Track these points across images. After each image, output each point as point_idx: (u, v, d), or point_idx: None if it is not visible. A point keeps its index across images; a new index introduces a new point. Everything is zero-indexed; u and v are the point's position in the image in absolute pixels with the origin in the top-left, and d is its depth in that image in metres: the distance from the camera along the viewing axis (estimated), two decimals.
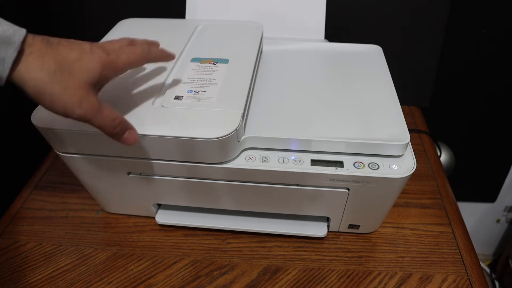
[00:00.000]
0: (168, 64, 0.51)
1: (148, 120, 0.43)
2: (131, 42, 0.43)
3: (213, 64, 0.52)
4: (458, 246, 0.55)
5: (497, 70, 0.86)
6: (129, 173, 0.49)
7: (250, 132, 0.46)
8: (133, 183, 0.50)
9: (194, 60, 0.53)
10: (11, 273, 0.52)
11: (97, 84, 0.37)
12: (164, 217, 0.56)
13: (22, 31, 0.33)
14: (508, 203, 1.15)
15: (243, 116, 0.44)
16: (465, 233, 0.57)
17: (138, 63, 0.41)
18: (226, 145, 0.43)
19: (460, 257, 0.53)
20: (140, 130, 0.42)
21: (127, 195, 0.54)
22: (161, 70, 0.50)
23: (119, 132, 0.38)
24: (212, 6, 0.66)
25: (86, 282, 0.51)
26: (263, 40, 0.60)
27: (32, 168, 0.68)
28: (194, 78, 0.49)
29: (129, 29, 0.61)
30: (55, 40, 0.35)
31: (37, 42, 0.34)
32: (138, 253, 0.54)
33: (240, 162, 0.45)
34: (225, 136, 0.41)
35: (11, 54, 0.32)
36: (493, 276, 1.26)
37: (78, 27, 0.80)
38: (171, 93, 0.47)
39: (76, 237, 0.56)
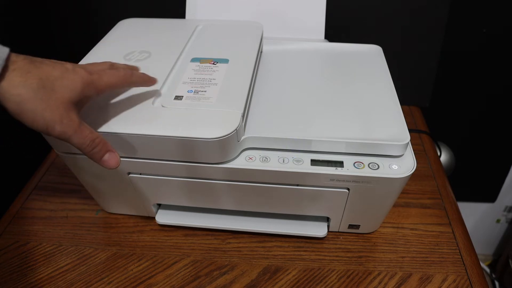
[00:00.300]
0: (168, 64, 0.51)
1: (148, 120, 0.43)
2: (112, 66, 0.43)
3: (213, 64, 0.52)
4: (458, 246, 0.55)
5: (497, 70, 0.86)
6: (129, 173, 0.49)
7: (250, 132, 0.46)
8: (133, 183, 0.50)
9: (194, 60, 0.53)
10: (11, 273, 0.52)
11: (78, 103, 0.37)
12: (164, 217, 0.56)
13: (6, 49, 0.33)
14: (508, 203, 1.15)
15: (243, 116, 0.44)
16: (465, 233, 0.57)
17: (119, 85, 0.41)
18: (226, 145, 0.43)
19: (460, 257, 0.53)
20: (140, 130, 0.42)
21: (127, 195, 0.54)
22: (161, 70, 0.50)
23: (98, 153, 0.38)
24: (212, 6, 0.66)
25: (86, 282, 0.51)
26: (263, 40, 0.60)
27: (32, 168, 0.68)
28: (194, 78, 0.49)
29: (129, 29, 0.61)
30: (38, 59, 0.36)
31: (20, 59, 0.34)
32: (138, 253, 0.54)
33: (240, 162, 0.45)
34: (225, 136, 0.41)
35: None
36: (493, 276, 1.26)
37: (78, 27, 0.80)
38: (171, 93, 0.47)
39: (76, 237, 0.56)
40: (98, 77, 0.38)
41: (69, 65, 0.37)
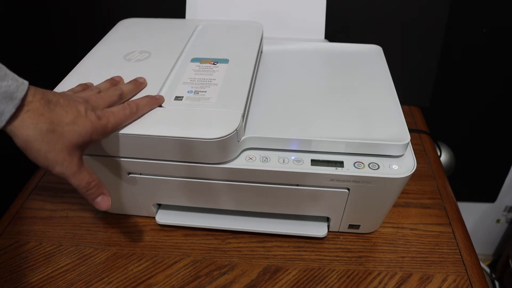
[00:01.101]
0: (168, 64, 0.51)
1: (148, 120, 0.43)
2: (121, 97, 0.44)
3: (213, 64, 0.52)
4: (458, 246, 0.55)
5: (497, 70, 0.86)
6: (129, 173, 0.49)
7: (250, 132, 0.46)
8: (133, 183, 0.50)
9: (194, 60, 0.53)
10: (11, 273, 0.52)
11: (83, 146, 0.39)
12: (164, 217, 0.56)
13: (25, 86, 0.34)
14: (508, 203, 1.15)
15: (243, 116, 0.44)
16: (465, 233, 0.57)
17: (127, 122, 0.43)
18: (226, 145, 0.43)
19: (460, 257, 0.53)
20: (140, 130, 0.42)
21: (127, 195, 0.54)
22: (161, 70, 0.50)
23: (92, 195, 0.41)
24: (212, 6, 0.66)
25: (86, 282, 0.51)
26: (263, 40, 0.60)
27: (32, 168, 0.68)
28: (194, 78, 0.49)
29: (129, 29, 0.61)
30: (53, 99, 0.37)
31: (36, 100, 0.35)
32: (138, 253, 0.54)
33: (240, 162, 0.45)
34: (225, 136, 0.41)
35: (10, 109, 0.33)
36: (493, 276, 1.26)
37: (78, 27, 0.80)
38: (171, 93, 0.47)
39: (76, 237, 0.56)
40: (106, 122, 0.40)
41: (82, 108, 0.38)
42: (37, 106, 0.35)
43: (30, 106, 0.35)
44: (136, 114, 0.43)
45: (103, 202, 0.42)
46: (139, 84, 0.47)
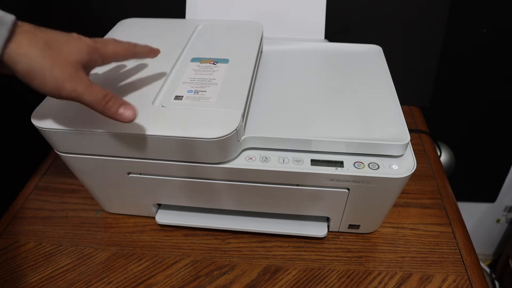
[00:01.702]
0: (168, 64, 0.51)
1: (148, 120, 0.43)
2: (116, 40, 0.44)
3: (213, 64, 0.52)
4: (458, 246, 0.55)
5: (497, 70, 0.86)
6: (129, 173, 0.49)
7: (250, 132, 0.46)
8: (133, 183, 0.50)
9: (194, 60, 0.53)
10: (11, 273, 0.52)
11: (85, 66, 0.38)
12: (164, 217, 0.56)
13: (12, 16, 0.34)
14: (508, 203, 1.15)
15: (243, 116, 0.44)
16: (465, 233, 0.57)
17: (123, 54, 0.42)
18: (226, 145, 0.43)
19: (460, 257, 0.53)
20: (140, 130, 0.42)
21: (127, 195, 0.54)
22: (161, 70, 0.50)
23: (112, 107, 0.38)
24: (212, 6, 0.66)
25: (86, 282, 0.51)
26: (263, 40, 0.60)
27: (32, 168, 0.68)
28: (194, 78, 0.49)
29: (129, 29, 0.61)
30: (43, 27, 0.36)
31: (25, 24, 0.35)
32: (138, 253, 0.54)
33: (240, 162, 0.45)
34: (225, 136, 0.41)
35: (3, 33, 0.33)
36: (493, 276, 1.26)
37: (79, 27, 0.80)
38: (171, 93, 0.47)
39: (76, 237, 0.56)
40: (103, 45, 0.40)
41: (74, 34, 0.38)
42: (29, 29, 0.35)
43: (22, 28, 0.34)
44: (133, 50, 0.43)
45: (128, 111, 0.38)
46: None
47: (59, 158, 0.49)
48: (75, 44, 0.37)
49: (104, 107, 0.37)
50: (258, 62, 0.56)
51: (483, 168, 1.04)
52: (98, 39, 0.41)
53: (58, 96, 0.36)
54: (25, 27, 0.35)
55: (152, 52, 0.46)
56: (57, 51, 0.35)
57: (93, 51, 0.38)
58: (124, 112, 0.38)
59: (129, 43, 0.43)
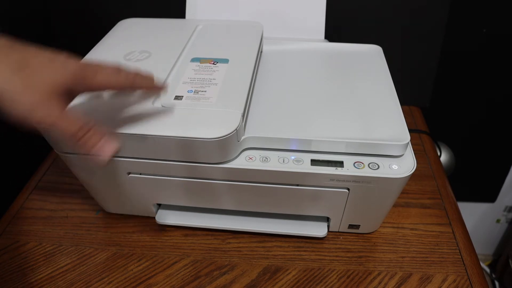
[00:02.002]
0: (168, 64, 0.51)
1: (148, 120, 0.43)
2: (118, 69, 0.38)
3: (213, 64, 0.52)
4: (458, 246, 0.55)
5: (497, 70, 0.86)
6: (129, 173, 0.49)
7: (250, 132, 0.46)
8: (133, 183, 0.50)
9: (194, 60, 0.53)
10: (11, 273, 0.52)
11: (63, 94, 0.33)
12: (164, 217, 0.56)
13: None
14: (508, 203, 1.15)
15: (243, 116, 0.44)
16: (465, 233, 0.57)
17: (116, 87, 0.37)
18: (226, 145, 0.43)
19: (460, 257, 0.53)
20: (140, 130, 0.42)
21: (127, 195, 0.54)
22: (161, 70, 0.50)
23: (90, 141, 0.33)
24: (212, 6, 0.66)
25: (86, 282, 0.51)
26: (263, 40, 0.60)
27: (32, 168, 0.68)
28: (194, 78, 0.49)
29: (129, 29, 0.61)
30: (23, 44, 0.33)
31: (2, 39, 0.32)
32: (138, 253, 0.54)
33: (240, 162, 0.45)
34: (225, 136, 0.41)
35: None
36: (493, 276, 1.26)
37: (79, 27, 0.80)
38: (171, 93, 0.47)
39: (76, 237, 0.56)
40: (92, 74, 0.35)
41: (61, 55, 0.34)
42: (4, 43, 0.31)
43: None
44: (132, 85, 0.37)
45: (107, 146, 0.33)
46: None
47: (59, 158, 0.49)
48: (57, 68, 0.33)
49: (81, 141, 0.33)
50: (258, 62, 0.56)
51: (483, 168, 1.04)
52: (91, 64, 0.36)
53: (28, 122, 0.32)
54: (1, 42, 0.31)
55: (156, 89, 0.40)
56: (31, 73, 0.31)
57: (77, 79, 0.34)
58: (104, 147, 0.34)
59: (127, 77, 0.37)
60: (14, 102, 0.31)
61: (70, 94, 0.34)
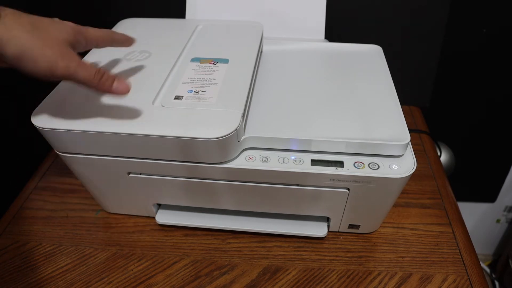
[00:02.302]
0: (168, 64, 0.51)
1: (148, 120, 0.43)
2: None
3: (213, 64, 0.52)
4: (458, 246, 0.55)
5: (497, 70, 0.86)
6: (129, 173, 0.49)
7: (250, 132, 0.46)
8: (133, 183, 0.50)
9: (194, 60, 0.53)
10: (11, 273, 0.52)
11: (71, 46, 0.38)
12: (164, 217, 0.56)
13: None
14: (508, 203, 1.15)
15: (243, 116, 0.44)
16: (465, 233, 0.57)
17: (103, 40, 0.42)
18: (226, 145, 0.43)
19: (460, 257, 0.53)
20: (140, 130, 0.42)
21: (127, 195, 0.54)
22: (161, 70, 0.50)
23: (106, 81, 0.38)
24: (212, 6, 0.66)
25: (86, 282, 0.51)
26: (263, 40, 0.60)
27: (32, 168, 0.68)
28: (194, 78, 0.49)
29: (129, 29, 0.61)
30: (24, 12, 0.37)
31: (8, 9, 0.35)
32: (138, 253, 0.54)
33: (240, 162, 0.45)
34: (225, 136, 0.41)
35: None
36: (493, 276, 1.26)
37: None
38: (171, 93, 0.47)
39: (76, 237, 0.56)
40: (85, 29, 0.40)
41: (56, 18, 0.39)
42: (12, 12, 0.35)
43: (6, 11, 0.34)
44: (112, 36, 0.43)
45: (121, 85, 0.39)
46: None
47: (59, 158, 0.49)
48: (60, 25, 0.38)
49: (99, 82, 0.38)
50: (258, 62, 0.56)
51: (483, 168, 1.04)
52: (79, 25, 0.42)
53: (51, 76, 0.36)
54: (9, 11, 0.35)
55: (128, 41, 0.46)
56: (44, 31, 0.35)
57: (77, 33, 0.39)
58: (118, 86, 0.39)
59: (108, 30, 0.44)
60: (37, 58, 0.34)
61: (74, 48, 0.39)
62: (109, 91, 0.39)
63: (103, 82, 0.38)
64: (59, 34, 0.36)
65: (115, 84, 0.39)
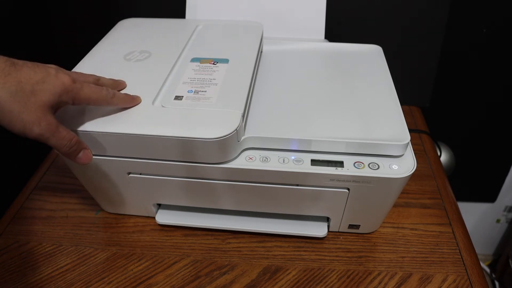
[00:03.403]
0: (168, 64, 0.51)
1: (148, 120, 0.43)
2: (98, 81, 0.45)
3: (213, 64, 0.52)
4: (458, 246, 0.55)
5: (497, 70, 0.86)
6: (129, 173, 0.49)
7: (250, 132, 0.46)
8: (133, 183, 0.50)
9: (194, 60, 0.53)
10: (11, 273, 0.52)
11: (54, 106, 0.38)
12: (164, 217, 0.56)
13: None
14: (508, 203, 1.15)
15: (243, 116, 0.44)
16: (465, 233, 0.57)
17: (98, 103, 0.42)
18: (226, 145, 0.43)
19: (460, 257, 0.53)
20: (140, 130, 0.42)
21: (127, 195, 0.54)
22: (161, 70, 0.50)
23: (74, 152, 0.40)
24: (212, 6, 0.66)
25: (86, 282, 0.51)
26: (263, 40, 0.60)
27: (32, 168, 0.68)
28: (194, 78, 0.49)
29: (129, 29, 0.61)
30: (20, 62, 0.36)
31: (1, 62, 0.35)
32: (138, 253, 0.54)
33: (240, 162, 0.45)
34: (225, 136, 0.41)
35: None
36: (493, 276, 1.26)
37: (78, 27, 0.80)
38: (171, 93, 0.47)
39: (76, 237, 0.56)
40: (79, 88, 0.39)
41: (52, 70, 0.38)
42: (2, 67, 0.34)
43: None
44: (111, 101, 0.42)
45: (85, 156, 0.42)
46: (118, 81, 0.47)
47: (59, 158, 0.49)
48: (49, 85, 0.37)
49: (67, 152, 0.40)
50: (258, 62, 0.56)
51: (483, 168, 1.04)
52: (78, 76, 0.41)
53: (24, 136, 0.36)
54: (1, 60, 0.35)
55: (132, 102, 0.45)
56: (29, 94, 0.35)
57: (66, 93, 0.38)
58: (83, 157, 0.42)
59: (107, 92, 0.42)
60: (13, 120, 0.35)
61: (58, 107, 0.39)
62: (73, 160, 0.41)
63: (71, 152, 0.40)
64: (43, 96, 0.36)
65: (80, 155, 0.41)
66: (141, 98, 0.46)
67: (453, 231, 0.57)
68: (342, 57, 0.59)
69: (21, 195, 0.63)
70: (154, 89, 0.47)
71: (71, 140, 0.39)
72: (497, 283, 1.24)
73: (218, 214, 0.56)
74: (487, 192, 1.12)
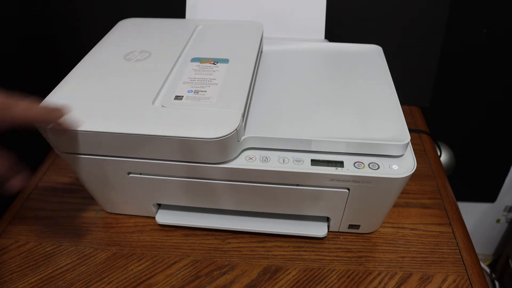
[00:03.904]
0: (168, 64, 0.52)
1: (148, 120, 0.43)
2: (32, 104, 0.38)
3: (213, 64, 0.52)
4: (458, 246, 0.55)
5: (497, 70, 0.86)
6: (129, 173, 0.49)
7: (250, 132, 0.46)
8: (133, 183, 0.50)
9: (194, 60, 0.53)
10: (11, 273, 0.52)
11: None
12: (164, 217, 0.56)
13: None
14: (508, 203, 1.15)
15: (243, 116, 0.44)
16: (465, 233, 0.57)
17: (37, 120, 0.39)
18: (226, 145, 0.43)
19: (460, 257, 0.53)
20: (140, 130, 0.42)
21: (127, 195, 0.54)
22: (161, 70, 0.50)
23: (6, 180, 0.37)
24: (212, 6, 0.66)
25: (86, 282, 0.51)
26: (263, 40, 0.60)
27: (32, 168, 0.68)
28: (194, 78, 0.49)
29: (129, 29, 0.61)
30: None
31: None
32: (138, 253, 0.54)
33: (240, 162, 0.45)
34: (225, 136, 0.41)
35: None
36: (493, 276, 1.26)
37: (78, 27, 0.80)
38: (171, 93, 0.47)
39: (76, 237, 0.56)
40: (12, 107, 0.36)
41: None
42: None
43: None
44: (50, 117, 0.39)
45: (17, 184, 0.38)
46: (53, 108, 0.40)
47: (59, 158, 0.49)
48: None
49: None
50: (258, 62, 0.56)
51: (483, 168, 1.04)
52: (7, 100, 0.36)
53: None
54: None
55: (49, 114, 0.39)
56: None
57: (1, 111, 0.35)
58: (12, 185, 0.38)
59: (45, 110, 0.38)
60: None
61: None
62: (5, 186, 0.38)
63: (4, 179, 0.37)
64: None
65: (13, 181, 0.38)
66: (141, 98, 0.46)
67: (453, 231, 0.57)
68: (342, 57, 0.59)
69: (21, 195, 0.63)
70: (154, 89, 0.47)
71: (4, 169, 0.36)
72: (497, 283, 1.24)
73: (218, 214, 0.56)
74: (487, 192, 1.12)
